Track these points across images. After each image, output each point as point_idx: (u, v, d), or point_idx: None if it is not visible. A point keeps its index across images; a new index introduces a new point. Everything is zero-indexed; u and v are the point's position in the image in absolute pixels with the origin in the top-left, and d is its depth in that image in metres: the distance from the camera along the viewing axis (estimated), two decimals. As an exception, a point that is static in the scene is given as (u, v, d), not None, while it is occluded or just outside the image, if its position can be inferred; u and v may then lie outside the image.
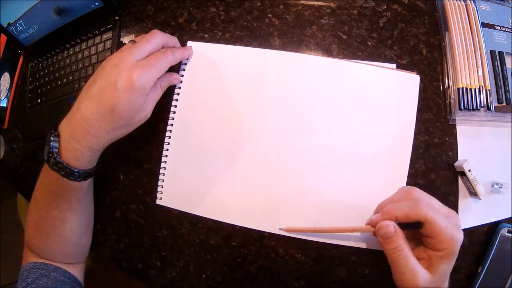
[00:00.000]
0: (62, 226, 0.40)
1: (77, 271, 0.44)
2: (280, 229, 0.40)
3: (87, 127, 0.34)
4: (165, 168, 0.43)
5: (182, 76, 0.44)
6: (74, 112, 0.35)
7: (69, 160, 0.35)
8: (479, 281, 0.39)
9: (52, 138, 0.35)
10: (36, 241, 0.41)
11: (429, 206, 0.31)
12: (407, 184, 0.39)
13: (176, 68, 0.44)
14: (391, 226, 0.32)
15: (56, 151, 0.35)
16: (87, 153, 0.36)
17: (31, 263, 0.41)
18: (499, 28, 0.42)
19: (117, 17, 0.49)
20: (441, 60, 0.42)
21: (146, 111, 0.37)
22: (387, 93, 0.41)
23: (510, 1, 0.44)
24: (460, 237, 0.31)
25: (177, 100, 0.44)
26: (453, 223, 0.31)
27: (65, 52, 0.51)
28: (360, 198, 0.40)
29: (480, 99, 0.39)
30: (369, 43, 0.43)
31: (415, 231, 0.32)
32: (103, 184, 0.46)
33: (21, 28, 0.51)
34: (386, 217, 0.33)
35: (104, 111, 0.34)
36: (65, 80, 0.50)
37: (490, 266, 0.39)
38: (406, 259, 0.31)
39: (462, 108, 0.39)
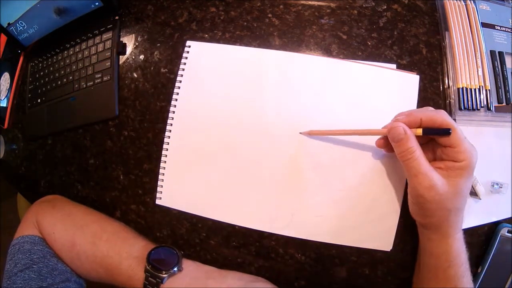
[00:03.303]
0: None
1: None
2: (300, 133, 0.40)
3: None
4: (164, 168, 0.43)
5: (182, 76, 0.44)
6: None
7: None
8: (479, 281, 0.39)
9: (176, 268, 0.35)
10: (58, 236, 0.39)
11: (450, 118, 0.32)
12: (407, 184, 0.39)
13: (175, 68, 0.45)
14: (400, 128, 0.32)
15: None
16: None
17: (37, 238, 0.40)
18: (499, 28, 0.42)
19: (117, 17, 0.49)
20: (441, 60, 0.42)
21: None
22: (387, 93, 0.41)
23: (510, 1, 0.44)
24: (476, 155, 0.32)
25: (176, 100, 0.44)
26: (469, 141, 0.32)
27: (65, 52, 0.51)
28: (360, 198, 0.40)
29: (480, 99, 0.39)
30: (369, 43, 0.43)
31: (433, 145, 0.33)
32: (103, 184, 0.46)
33: (21, 28, 0.51)
34: (411, 119, 0.33)
35: None
36: (65, 80, 0.50)
37: (490, 266, 0.39)
38: (418, 161, 0.31)
39: (462, 108, 0.39)
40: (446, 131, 0.31)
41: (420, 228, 0.36)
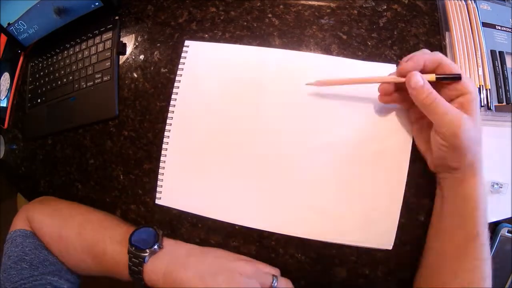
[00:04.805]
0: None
1: None
2: (307, 84, 0.40)
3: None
4: (164, 168, 0.43)
5: (181, 75, 0.44)
6: (181, 267, 0.36)
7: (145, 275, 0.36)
8: (479, 281, 0.39)
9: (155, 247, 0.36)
10: (47, 230, 0.40)
11: (447, 58, 0.35)
12: (407, 184, 0.39)
13: (175, 68, 0.45)
14: (418, 75, 0.34)
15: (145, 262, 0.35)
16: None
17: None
18: (499, 28, 0.42)
19: (117, 17, 0.49)
20: (441, 60, 0.42)
21: None
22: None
23: (511, 1, 0.44)
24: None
25: (175, 100, 0.44)
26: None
27: (65, 52, 0.51)
28: (360, 198, 0.40)
29: (481, 98, 0.39)
30: (369, 43, 0.42)
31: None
32: (103, 184, 0.46)
33: (21, 28, 0.51)
34: (416, 63, 0.35)
35: None
36: (65, 80, 0.50)
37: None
38: (442, 102, 0.33)
39: (462, 108, 0.39)
40: (457, 76, 0.33)
41: (449, 176, 0.36)
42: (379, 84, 0.38)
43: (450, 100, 0.34)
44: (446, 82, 0.34)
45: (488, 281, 0.33)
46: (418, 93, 0.34)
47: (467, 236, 0.34)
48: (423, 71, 0.35)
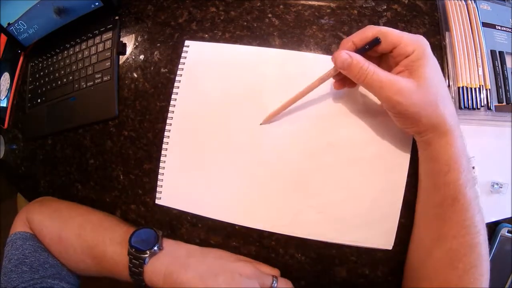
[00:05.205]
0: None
1: None
2: (260, 124, 0.41)
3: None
4: (164, 168, 0.43)
5: (181, 75, 0.44)
6: (181, 268, 0.35)
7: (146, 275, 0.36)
8: (479, 281, 0.39)
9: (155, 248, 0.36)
10: (46, 232, 0.40)
11: (378, 27, 0.33)
12: (407, 184, 0.39)
13: (175, 68, 0.45)
14: (343, 53, 0.32)
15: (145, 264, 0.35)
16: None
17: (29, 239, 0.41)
18: (499, 28, 0.42)
19: (117, 17, 0.49)
20: (441, 60, 0.42)
21: None
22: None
23: (511, 1, 0.44)
24: (423, 39, 0.32)
25: (175, 100, 0.44)
26: (409, 34, 0.32)
27: (65, 52, 0.51)
28: (360, 198, 0.40)
29: (480, 98, 0.39)
30: (369, 43, 0.42)
31: (384, 59, 0.34)
32: (103, 184, 0.46)
33: (21, 28, 0.51)
34: (343, 46, 0.34)
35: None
36: (65, 80, 0.50)
37: (490, 266, 0.39)
38: (375, 73, 0.32)
39: (462, 107, 0.39)
40: (375, 40, 0.32)
41: (418, 139, 0.35)
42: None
43: (397, 63, 0.33)
44: (381, 49, 0.32)
45: (481, 251, 0.31)
46: (349, 72, 0.33)
47: (443, 200, 0.33)
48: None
